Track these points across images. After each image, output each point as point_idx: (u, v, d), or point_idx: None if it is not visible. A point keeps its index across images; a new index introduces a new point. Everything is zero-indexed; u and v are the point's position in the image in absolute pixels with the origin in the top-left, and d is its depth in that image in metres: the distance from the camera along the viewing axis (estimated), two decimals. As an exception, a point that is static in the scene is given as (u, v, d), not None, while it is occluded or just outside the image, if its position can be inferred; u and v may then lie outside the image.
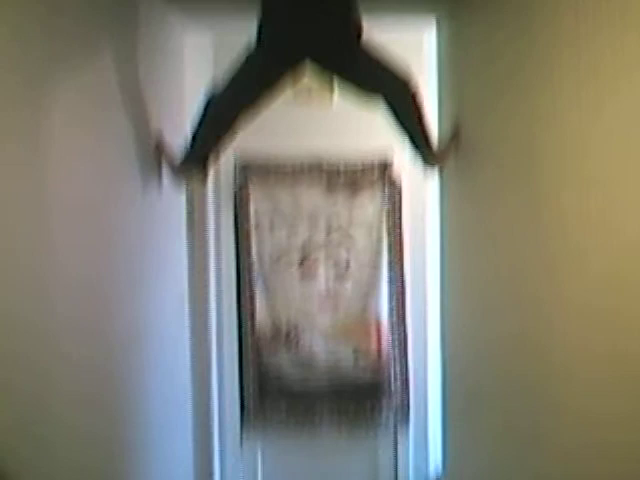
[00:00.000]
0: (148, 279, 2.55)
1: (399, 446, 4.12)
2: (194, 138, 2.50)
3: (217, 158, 2.66)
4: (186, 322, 3.21)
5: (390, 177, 4.02)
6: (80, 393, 1.84)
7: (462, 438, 2.66)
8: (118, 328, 2.19)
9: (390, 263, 4.04)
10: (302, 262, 4.06)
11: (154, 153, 2.57)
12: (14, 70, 1.51)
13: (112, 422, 2.15)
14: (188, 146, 2.52)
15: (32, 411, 1.54)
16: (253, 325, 4.07)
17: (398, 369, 4.07)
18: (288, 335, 4.06)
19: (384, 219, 4.04)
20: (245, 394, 4.11)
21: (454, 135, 2.58)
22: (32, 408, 1.54)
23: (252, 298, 4.06)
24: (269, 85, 2.42)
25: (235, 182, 4.06)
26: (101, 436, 2.02)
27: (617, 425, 1.35)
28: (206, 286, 3.74)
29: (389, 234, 4.04)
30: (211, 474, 3.80)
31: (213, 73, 3.43)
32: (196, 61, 3.41)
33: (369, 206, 4.04)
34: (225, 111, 2.46)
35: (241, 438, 4.12)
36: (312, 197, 4.04)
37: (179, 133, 2.77)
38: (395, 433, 4.10)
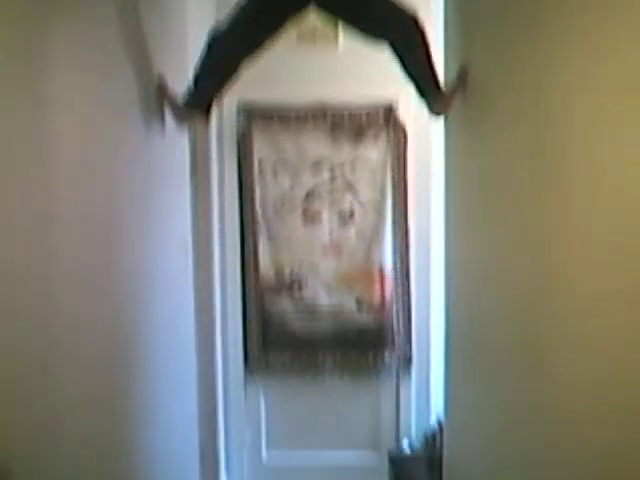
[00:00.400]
0: (151, 226, 2.52)
1: (401, 394, 4.15)
2: (197, 78, 2.45)
3: (220, 99, 2.60)
4: (190, 270, 3.19)
5: (395, 121, 3.96)
6: (84, 348, 1.81)
7: (464, 386, 2.67)
8: (122, 276, 2.17)
9: (394, 208, 4.02)
10: (306, 208, 4.03)
11: (156, 96, 2.52)
12: (12, 13, 1.46)
13: (117, 372, 2.14)
14: (191, 87, 2.47)
15: (34, 374, 1.51)
16: (257, 273, 4.07)
17: (401, 317, 4.07)
18: (291, 283, 4.06)
19: (389, 164, 4.00)
20: (248, 342, 4.13)
21: (461, 76, 2.52)
22: (34, 370, 1.51)
23: (255, 245, 4.05)
24: (273, 23, 2.36)
25: (238, 127, 4.01)
26: (107, 387, 2.01)
27: (628, 387, 1.33)
28: (209, 233, 3.72)
29: (393, 179, 4.00)
30: (215, 420, 3.84)
31: (216, 15, 3.36)
32: (199, 2, 3.33)
33: (374, 151, 3.99)
34: (228, 50, 2.40)
35: (245, 383, 4.16)
36: (316, 142, 3.99)
37: (182, 76, 2.71)
38: (397, 381, 4.13)
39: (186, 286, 3.10)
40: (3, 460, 1.32)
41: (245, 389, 4.18)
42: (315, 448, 4.19)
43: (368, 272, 4.04)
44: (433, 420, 3.98)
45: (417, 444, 3.99)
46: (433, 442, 3.71)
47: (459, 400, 2.75)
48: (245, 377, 4.16)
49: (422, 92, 2.53)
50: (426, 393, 4.12)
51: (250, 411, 4.20)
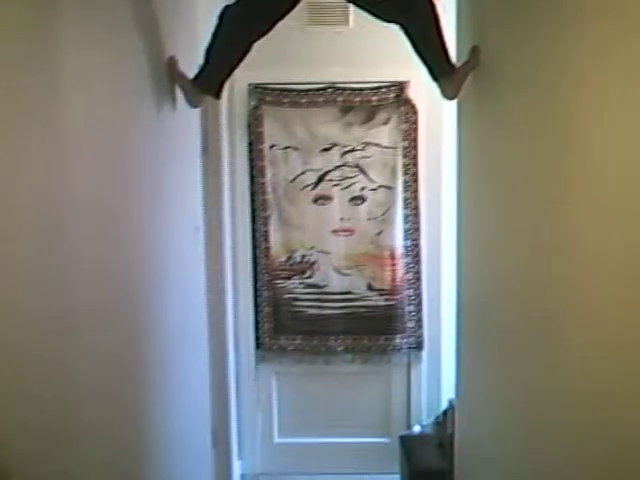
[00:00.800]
0: (163, 206, 2.50)
1: (412, 378, 4.16)
2: (207, 55, 2.43)
3: (230, 76, 2.58)
4: (202, 254, 3.18)
5: (406, 103, 3.93)
6: (95, 340, 1.79)
7: (476, 370, 2.66)
8: (133, 261, 2.16)
9: (405, 191, 4.00)
10: (317, 191, 4.01)
11: (167, 75, 2.51)
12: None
13: (129, 360, 2.13)
14: (201, 66, 2.46)
15: (43, 369, 1.49)
16: (268, 257, 4.06)
17: (412, 300, 4.06)
18: (303, 267, 4.05)
19: (400, 146, 3.97)
20: (260, 326, 4.13)
21: (473, 57, 2.49)
22: (42, 365, 1.48)
23: (266, 229, 4.04)
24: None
25: (249, 105, 3.99)
26: (119, 375, 2.01)
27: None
28: (220, 217, 3.71)
29: (404, 161, 3.98)
30: (227, 404, 3.84)
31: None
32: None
33: (385, 133, 3.97)
34: (239, 23, 2.38)
35: (256, 368, 4.17)
36: (327, 125, 3.97)
37: (191, 59, 2.70)
38: (409, 365, 4.13)
39: (198, 271, 3.10)
40: (3, 459, 1.30)
41: (257, 373, 4.19)
42: (326, 432, 4.20)
43: (379, 256, 4.02)
44: (444, 404, 3.97)
45: (428, 430, 3.98)
46: (444, 421, 3.70)
47: (471, 384, 2.74)
48: (256, 361, 4.17)
49: (434, 74, 2.50)
50: (437, 377, 4.12)
51: (262, 395, 4.22)
